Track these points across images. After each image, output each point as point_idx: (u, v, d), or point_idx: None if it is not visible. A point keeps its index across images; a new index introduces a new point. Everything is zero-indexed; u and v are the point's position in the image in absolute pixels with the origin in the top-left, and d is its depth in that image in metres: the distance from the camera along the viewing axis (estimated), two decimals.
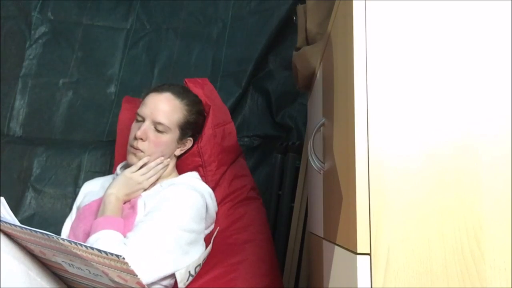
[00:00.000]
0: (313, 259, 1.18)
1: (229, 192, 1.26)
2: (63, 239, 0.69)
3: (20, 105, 1.70)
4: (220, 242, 1.16)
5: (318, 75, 1.10)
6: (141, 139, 1.12)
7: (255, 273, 1.11)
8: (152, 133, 1.13)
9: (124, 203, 1.12)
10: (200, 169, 1.24)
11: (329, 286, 0.78)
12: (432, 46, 0.59)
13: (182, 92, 1.20)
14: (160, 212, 1.04)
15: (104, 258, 0.69)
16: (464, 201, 0.55)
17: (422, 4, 0.60)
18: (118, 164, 1.28)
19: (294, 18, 1.38)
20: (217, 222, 1.21)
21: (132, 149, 1.14)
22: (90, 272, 0.76)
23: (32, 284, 0.76)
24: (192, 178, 1.20)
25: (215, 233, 1.18)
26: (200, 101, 1.25)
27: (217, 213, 1.21)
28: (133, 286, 0.73)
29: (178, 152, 1.20)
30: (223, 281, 1.07)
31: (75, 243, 0.69)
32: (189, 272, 1.03)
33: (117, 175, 1.21)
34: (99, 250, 0.68)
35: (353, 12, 0.60)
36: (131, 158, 1.15)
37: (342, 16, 0.71)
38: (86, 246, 0.69)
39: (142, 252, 0.96)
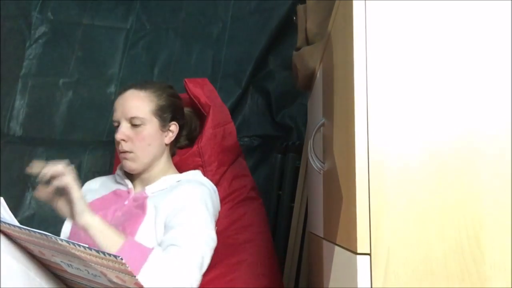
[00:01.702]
0: (313, 259, 1.18)
1: (229, 192, 1.26)
2: (61, 240, 0.69)
3: (20, 105, 1.70)
4: (220, 242, 1.16)
5: (318, 75, 1.10)
6: (123, 140, 1.11)
7: (255, 273, 1.11)
8: (131, 131, 1.12)
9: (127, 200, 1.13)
10: (201, 169, 1.24)
11: (329, 286, 0.78)
12: (432, 46, 0.59)
13: (145, 84, 1.19)
14: (189, 219, 1.03)
15: (102, 259, 0.69)
16: (464, 201, 0.55)
17: (422, 4, 0.60)
18: (118, 164, 1.28)
19: (294, 18, 1.38)
20: (217, 222, 1.21)
21: (121, 155, 1.13)
22: (88, 273, 0.76)
23: (32, 284, 0.76)
24: (198, 175, 1.20)
25: None
26: (168, 86, 1.23)
27: (218, 212, 1.21)
28: (131, 286, 0.73)
29: (167, 140, 1.18)
30: (223, 281, 1.07)
31: (73, 244, 0.69)
32: None
33: (118, 175, 1.21)
34: (97, 251, 0.68)
35: (353, 12, 0.60)
36: (125, 163, 1.14)
37: (342, 16, 0.71)
38: (84, 247, 0.69)
39: (193, 265, 0.96)
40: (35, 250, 0.78)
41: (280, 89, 1.71)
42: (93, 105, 1.72)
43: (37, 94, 1.72)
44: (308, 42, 1.27)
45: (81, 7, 1.80)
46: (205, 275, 1.07)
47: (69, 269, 0.79)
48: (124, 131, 1.11)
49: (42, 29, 1.77)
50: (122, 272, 0.70)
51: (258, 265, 1.13)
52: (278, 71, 1.73)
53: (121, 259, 0.66)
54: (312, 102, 1.24)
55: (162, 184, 1.14)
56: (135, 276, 0.69)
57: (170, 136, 1.19)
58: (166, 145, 1.19)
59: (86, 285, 0.83)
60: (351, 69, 0.60)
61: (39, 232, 0.71)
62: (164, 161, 1.19)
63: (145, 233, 1.03)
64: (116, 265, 0.69)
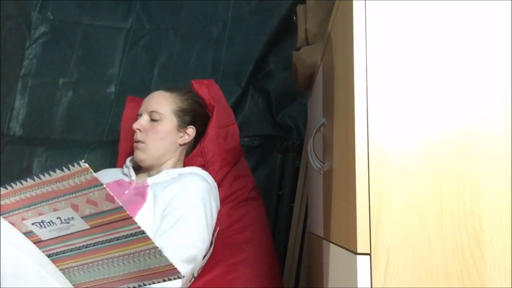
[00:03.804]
0: (313, 259, 1.18)
1: (230, 192, 1.26)
2: (25, 179, 0.68)
3: (20, 105, 1.70)
4: (220, 242, 1.16)
5: (318, 75, 1.10)
6: (139, 129, 1.17)
7: (255, 273, 1.11)
8: (148, 124, 1.18)
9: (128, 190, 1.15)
10: (203, 168, 1.24)
11: (329, 286, 0.78)
12: (432, 46, 0.59)
13: (172, 88, 1.26)
14: (182, 219, 1.04)
15: (68, 178, 0.66)
16: (464, 201, 0.55)
17: (422, 4, 0.60)
18: (121, 158, 1.32)
19: (294, 18, 1.38)
20: (217, 222, 1.21)
21: (135, 145, 1.18)
22: (61, 221, 0.73)
23: (43, 282, 0.76)
24: (199, 170, 1.21)
25: (216, 233, 1.18)
26: (195, 94, 1.29)
27: (219, 212, 1.21)
28: (106, 209, 0.69)
29: (181, 141, 1.21)
30: (223, 281, 1.07)
31: (37, 176, 0.68)
32: (193, 274, 1.04)
33: (126, 167, 1.23)
34: (61, 169, 0.66)
35: (353, 12, 0.60)
36: (136, 153, 1.19)
37: (342, 16, 0.71)
38: (48, 173, 0.67)
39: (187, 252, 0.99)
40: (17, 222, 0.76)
41: (280, 89, 1.71)
42: (93, 105, 1.72)
43: (37, 94, 1.71)
44: (308, 42, 1.26)
45: (81, 7, 1.80)
46: (205, 275, 1.07)
47: (43, 234, 0.75)
48: (141, 122, 1.18)
49: (42, 29, 1.77)
50: (88, 188, 0.67)
51: (258, 265, 1.13)
52: (278, 71, 1.73)
53: (84, 161, 0.64)
54: (312, 102, 1.24)
55: (165, 176, 1.17)
56: (102, 184, 0.66)
57: (185, 138, 1.22)
58: (180, 145, 1.21)
59: (64, 253, 0.79)
60: (351, 69, 0.60)
61: (5, 186, 0.70)
62: (175, 160, 1.21)
63: (143, 218, 1.04)
64: (82, 179, 0.66)
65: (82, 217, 0.72)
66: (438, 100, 0.58)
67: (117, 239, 0.74)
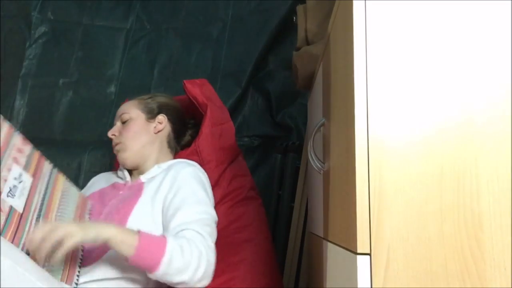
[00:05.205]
0: (313, 259, 1.18)
1: (229, 191, 1.26)
2: None
3: (20, 105, 1.70)
4: (219, 242, 1.15)
5: (318, 75, 1.10)
6: (114, 135, 1.22)
7: (254, 273, 1.11)
8: (121, 127, 1.23)
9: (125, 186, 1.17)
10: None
11: (329, 286, 0.78)
12: (431, 46, 0.59)
13: (137, 97, 1.32)
14: (190, 200, 1.06)
15: None
16: (464, 201, 0.55)
17: (422, 4, 0.60)
18: (117, 165, 1.31)
19: (294, 18, 1.38)
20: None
21: (114, 149, 1.23)
22: (16, 179, 0.82)
23: (20, 279, 0.75)
24: (185, 159, 1.24)
25: None
26: (162, 95, 1.33)
27: (218, 211, 1.21)
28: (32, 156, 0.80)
29: (155, 130, 1.24)
30: (222, 280, 1.06)
31: None
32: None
33: (120, 170, 1.24)
34: None
35: (353, 12, 0.60)
36: (118, 156, 1.22)
37: (342, 16, 0.71)
38: None
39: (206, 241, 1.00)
40: None
41: (280, 89, 1.71)
42: (93, 105, 1.72)
43: (37, 94, 1.72)
44: (308, 42, 1.27)
45: (81, 7, 1.80)
46: None
47: (18, 204, 0.83)
48: (114, 128, 1.23)
49: (42, 29, 1.77)
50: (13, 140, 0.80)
51: (258, 265, 1.13)
52: (278, 71, 1.73)
53: None
54: (312, 102, 1.24)
55: (156, 170, 1.18)
56: (18, 130, 0.77)
57: (158, 127, 1.25)
58: (155, 134, 1.24)
59: (42, 205, 0.90)
60: (351, 68, 0.60)
61: None
62: (157, 151, 1.23)
63: (140, 212, 1.05)
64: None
65: (24, 170, 0.84)
66: (438, 99, 0.58)
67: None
